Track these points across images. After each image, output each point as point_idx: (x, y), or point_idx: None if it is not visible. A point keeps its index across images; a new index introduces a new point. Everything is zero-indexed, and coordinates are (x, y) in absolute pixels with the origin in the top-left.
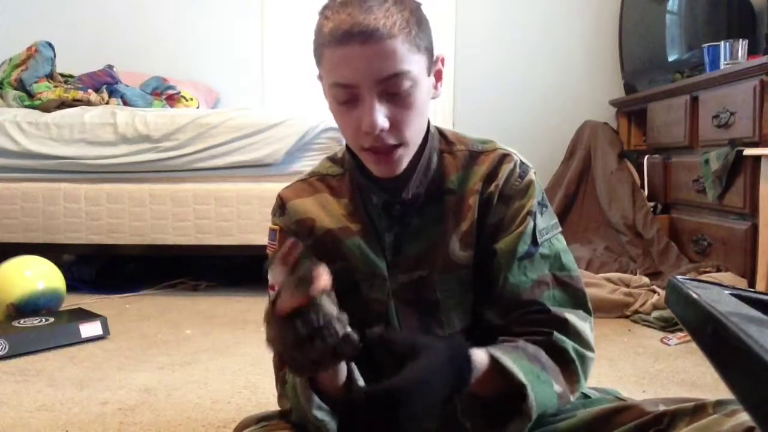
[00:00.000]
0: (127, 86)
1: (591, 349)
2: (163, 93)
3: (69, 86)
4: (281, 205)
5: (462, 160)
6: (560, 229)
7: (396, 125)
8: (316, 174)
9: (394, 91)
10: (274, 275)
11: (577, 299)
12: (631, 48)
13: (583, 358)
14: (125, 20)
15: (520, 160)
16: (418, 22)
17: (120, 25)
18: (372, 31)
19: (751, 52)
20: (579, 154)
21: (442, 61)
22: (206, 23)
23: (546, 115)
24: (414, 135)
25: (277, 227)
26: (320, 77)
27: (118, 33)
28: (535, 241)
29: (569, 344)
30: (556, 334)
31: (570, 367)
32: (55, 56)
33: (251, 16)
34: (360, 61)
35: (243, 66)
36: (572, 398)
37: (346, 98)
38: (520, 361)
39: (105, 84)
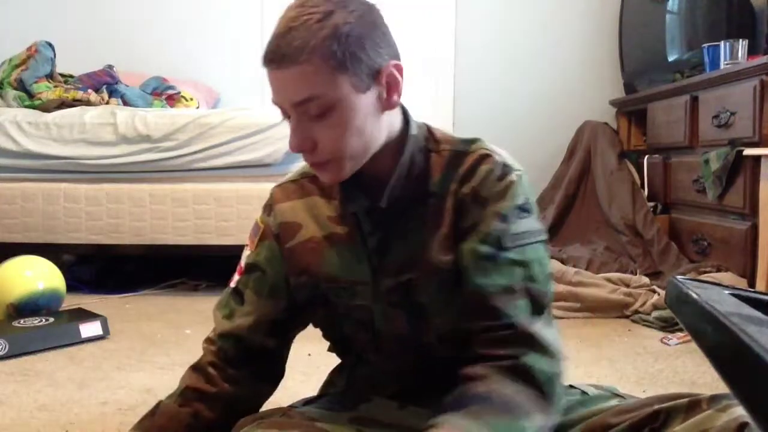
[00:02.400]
0: (127, 86)
1: (559, 357)
2: (163, 93)
3: (69, 86)
4: (270, 205)
5: (446, 161)
6: (543, 237)
7: (322, 144)
8: (307, 175)
9: (312, 113)
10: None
11: (543, 310)
12: (631, 48)
13: (553, 377)
14: (125, 20)
15: (503, 162)
16: (346, 39)
17: (120, 25)
18: (282, 56)
19: (751, 52)
20: (579, 154)
21: (399, 68)
22: (206, 23)
23: (546, 115)
24: (346, 151)
25: (261, 226)
26: None
27: (118, 33)
28: (499, 244)
29: (537, 367)
30: (522, 358)
31: (542, 390)
32: (55, 56)
33: (251, 16)
34: (276, 84)
35: (243, 66)
36: (552, 420)
37: (282, 115)
38: (493, 424)
39: (105, 84)
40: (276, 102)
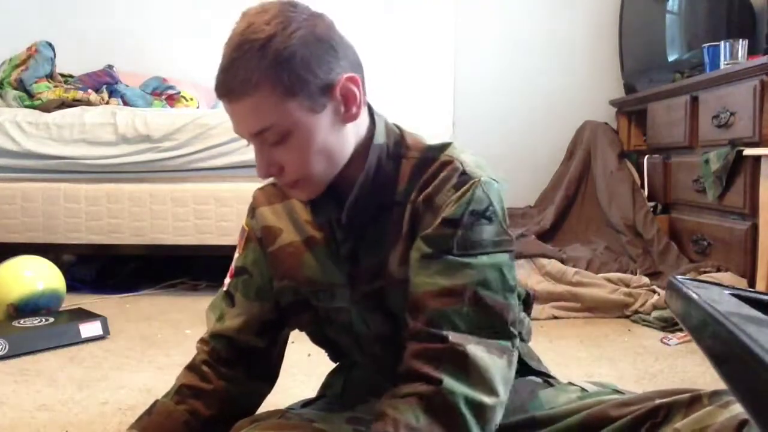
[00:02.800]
0: (127, 86)
1: (494, 393)
2: (163, 93)
3: (69, 86)
4: (253, 208)
5: (412, 169)
6: (505, 248)
7: (288, 167)
8: None
9: (270, 141)
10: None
11: (494, 326)
12: (631, 48)
13: (479, 408)
14: (125, 20)
15: (463, 169)
16: (289, 64)
17: (120, 25)
18: (229, 90)
19: (751, 52)
20: (579, 155)
21: (353, 80)
22: (206, 23)
23: (546, 115)
24: (313, 170)
25: (246, 229)
26: None
27: (118, 33)
28: (447, 247)
29: (460, 395)
30: (445, 382)
31: (459, 424)
32: (55, 56)
33: None
34: (233, 116)
35: None
36: None
37: (245, 141)
38: None
39: (105, 84)
40: (236, 131)
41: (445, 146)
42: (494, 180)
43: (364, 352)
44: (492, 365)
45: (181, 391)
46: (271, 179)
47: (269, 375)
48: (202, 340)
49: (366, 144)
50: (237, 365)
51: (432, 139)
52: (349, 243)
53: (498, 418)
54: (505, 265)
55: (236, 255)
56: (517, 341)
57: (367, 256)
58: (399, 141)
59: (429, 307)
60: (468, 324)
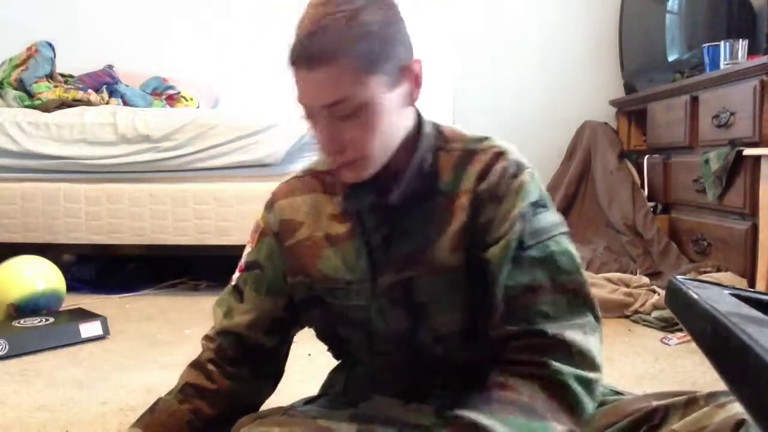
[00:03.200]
0: (127, 86)
1: (597, 369)
2: (163, 93)
3: (69, 86)
4: (271, 203)
5: (456, 159)
6: (563, 230)
7: (350, 145)
8: (311, 171)
9: (341, 114)
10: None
11: (582, 305)
12: (631, 48)
13: (587, 384)
14: (125, 20)
15: (515, 159)
16: (375, 39)
17: (120, 25)
18: (312, 58)
19: (751, 52)
20: (579, 154)
21: (419, 64)
22: (206, 23)
23: (546, 115)
24: (374, 150)
25: (261, 225)
26: None
27: (118, 33)
28: (521, 244)
29: (568, 374)
30: (553, 365)
31: (573, 399)
32: (55, 56)
33: (251, 16)
34: (307, 85)
35: (243, 66)
36: (579, 429)
37: (306, 114)
38: (511, 422)
39: (105, 84)
40: (303, 102)
41: (484, 138)
42: (533, 168)
43: (374, 351)
44: (589, 345)
45: (185, 390)
46: (294, 173)
47: (274, 374)
48: (207, 337)
49: (411, 134)
50: (243, 364)
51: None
52: (382, 230)
53: (600, 388)
54: (569, 246)
55: (247, 250)
56: (599, 313)
57: (401, 244)
58: (437, 134)
59: (519, 308)
60: (558, 310)
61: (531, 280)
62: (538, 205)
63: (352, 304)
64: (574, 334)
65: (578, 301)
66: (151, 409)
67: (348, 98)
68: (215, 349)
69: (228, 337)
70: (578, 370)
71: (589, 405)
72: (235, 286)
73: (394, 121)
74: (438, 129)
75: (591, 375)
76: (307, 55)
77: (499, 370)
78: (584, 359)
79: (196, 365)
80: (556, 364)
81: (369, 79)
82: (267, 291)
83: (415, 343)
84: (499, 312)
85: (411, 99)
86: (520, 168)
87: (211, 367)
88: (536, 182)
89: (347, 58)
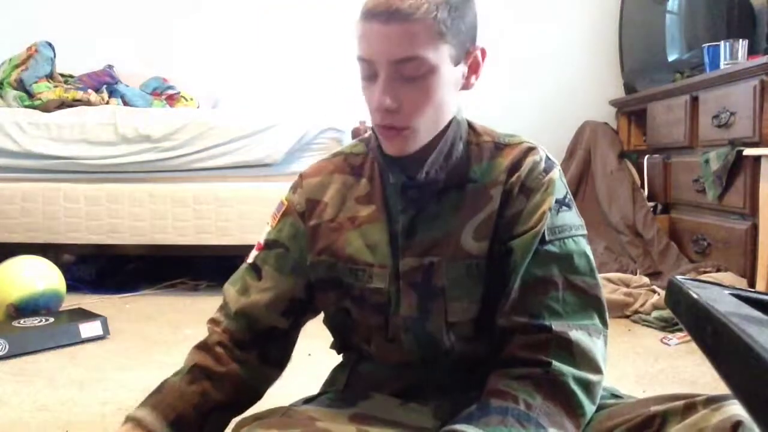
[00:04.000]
0: (127, 86)
1: (598, 371)
2: (163, 93)
3: (69, 86)
4: (299, 182)
5: (487, 152)
6: (583, 232)
7: (405, 108)
8: (341, 154)
9: (407, 74)
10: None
11: (591, 307)
12: (631, 48)
13: (587, 385)
14: (125, 20)
15: (546, 155)
16: (453, 10)
17: (120, 25)
18: (393, 11)
19: (751, 52)
20: (579, 154)
21: (483, 53)
22: (206, 23)
23: (546, 115)
24: (424, 122)
25: (285, 204)
26: None
27: (118, 33)
28: (542, 239)
29: (569, 375)
30: (554, 365)
31: (572, 401)
32: (55, 56)
33: (251, 16)
34: (377, 39)
35: (243, 66)
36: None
37: (366, 73)
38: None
39: (105, 84)
40: (368, 57)
41: (513, 135)
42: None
43: (387, 337)
44: (593, 347)
45: (193, 371)
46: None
47: (282, 360)
48: (213, 321)
49: (452, 121)
50: (252, 348)
51: None
52: (409, 213)
53: (600, 391)
54: (586, 249)
55: (267, 228)
56: (608, 318)
57: (424, 228)
58: (468, 128)
59: (528, 299)
60: (566, 308)
61: (545, 274)
62: (562, 203)
63: (372, 287)
64: (579, 334)
65: (588, 302)
66: (159, 389)
67: (419, 58)
68: (225, 331)
69: (240, 320)
70: (579, 371)
71: (589, 407)
72: (253, 264)
73: (447, 99)
74: (470, 123)
75: (592, 377)
76: (389, 7)
77: (499, 373)
78: (586, 360)
79: (203, 347)
80: (557, 364)
81: (441, 46)
82: (290, 270)
83: (427, 329)
84: (510, 301)
85: (466, 83)
86: (550, 164)
87: (219, 349)
88: (563, 180)
89: (427, 19)
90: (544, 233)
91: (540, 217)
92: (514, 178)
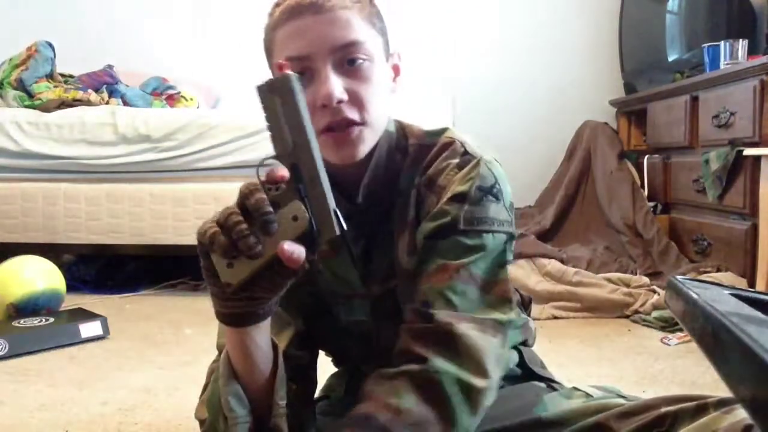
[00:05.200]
0: (127, 86)
1: (485, 375)
2: (163, 93)
3: (69, 86)
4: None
5: (411, 157)
6: (508, 229)
7: (354, 99)
8: None
9: (349, 59)
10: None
11: (494, 303)
12: (631, 48)
13: (469, 391)
14: (125, 20)
15: (464, 149)
16: (379, 10)
17: (120, 25)
18: (324, 1)
19: (751, 52)
20: (579, 154)
21: (399, 56)
22: (206, 23)
23: (546, 115)
24: (374, 115)
25: None
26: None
27: (118, 33)
28: (454, 225)
29: (447, 375)
30: (433, 362)
31: (445, 407)
32: (55, 56)
33: (251, 16)
34: (312, 30)
35: (243, 66)
36: None
37: (302, 71)
38: None
39: (105, 84)
40: (304, 53)
41: (443, 130)
42: (497, 161)
43: (374, 362)
44: (485, 345)
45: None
46: None
47: (311, 399)
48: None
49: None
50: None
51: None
52: (362, 241)
53: (489, 401)
54: (505, 251)
55: None
56: (514, 316)
57: (380, 254)
58: (402, 133)
59: (424, 285)
60: (463, 301)
61: (447, 262)
62: (488, 192)
63: (353, 320)
64: (468, 328)
65: (490, 298)
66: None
67: (358, 42)
68: None
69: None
70: (462, 371)
71: (466, 417)
72: None
73: (384, 96)
74: (401, 127)
75: (476, 382)
76: (316, 0)
77: (377, 372)
78: (472, 360)
79: None
80: (438, 362)
81: (374, 35)
82: (291, 306)
83: None
84: (406, 290)
85: (393, 86)
86: (467, 157)
87: None
88: (492, 172)
89: (363, 8)
90: (457, 221)
91: (445, 202)
92: (424, 178)
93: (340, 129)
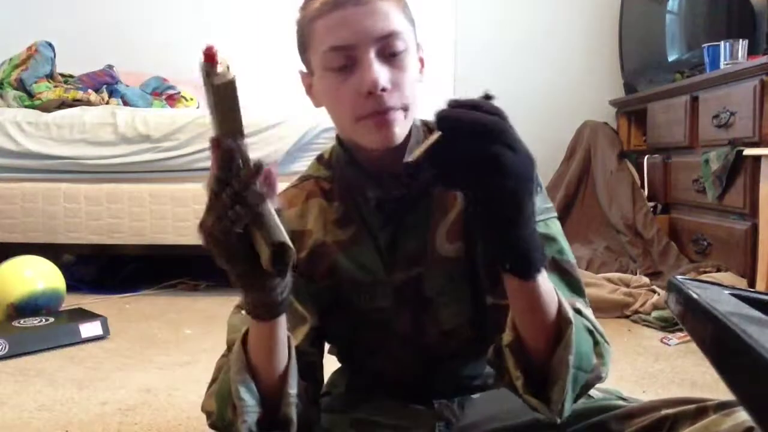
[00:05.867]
0: (127, 86)
1: (606, 340)
2: (163, 93)
3: (69, 86)
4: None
5: None
6: (555, 214)
7: (395, 86)
8: (308, 177)
9: (390, 51)
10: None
11: (576, 289)
12: (631, 48)
13: (606, 346)
14: (125, 20)
15: None
16: (408, 6)
17: (120, 25)
18: None
19: (751, 52)
20: (579, 154)
21: (422, 49)
22: (206, 23)
23: (546, 115)
24: (412, 101)
25: None
26: (305, 73)
27: (118, 33)
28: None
29: (593, 328)
30: (578, 316)
31: (599, 347)
32: (55, 56)
33: (250, 16)
34: (356, 20)
35: (242, 66)
36: (601, 379)
37: (342, 63)
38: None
39: (105, 84)
40: (348, 43)
41: None
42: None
43: (387, 353)
44: (595, 320)
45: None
46: (288, 184)
47: (317, 399)
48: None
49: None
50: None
51: None
52: (389, 229)
53: (609, 359)
54: (561, 230)
55: None
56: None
57: (405, 241)
58: (426, 128)
59: None
60: (558, 286)
61: None
62: (536, 184)
63: (374, 307)
64: (581, 306)
65: (571, 281)
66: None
67: (398, 32)
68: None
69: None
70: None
71: (608, 363)
72: None
73: (416, 86)
74: (423, 122)
75: (607, 346)
76: None
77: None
78: (597, 330)
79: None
80: (580, 318)
81: (408, 27)
82: (312, 298)
83: (425, 342)
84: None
85: (420, 77)
86: None
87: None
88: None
89: (394, 0)
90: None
91: None
92: None
93: (382, 113)
